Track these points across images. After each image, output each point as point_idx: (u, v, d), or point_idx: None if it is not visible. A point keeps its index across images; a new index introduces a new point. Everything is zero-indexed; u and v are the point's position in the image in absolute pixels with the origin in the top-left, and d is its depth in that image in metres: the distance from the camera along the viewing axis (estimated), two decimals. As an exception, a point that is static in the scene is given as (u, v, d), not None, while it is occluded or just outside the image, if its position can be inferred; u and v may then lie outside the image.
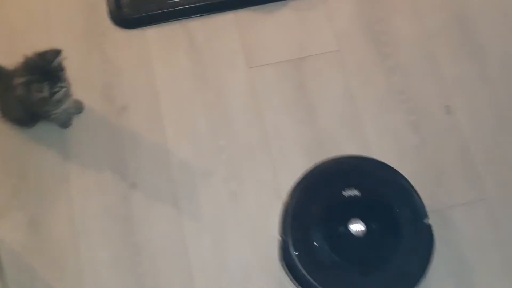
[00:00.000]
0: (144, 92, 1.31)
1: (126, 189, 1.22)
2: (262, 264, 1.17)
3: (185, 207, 1.21)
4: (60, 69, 1.08)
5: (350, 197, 1.08)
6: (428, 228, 1.08)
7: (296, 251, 1.05)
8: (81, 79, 1.29)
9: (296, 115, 1.29)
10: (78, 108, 1.26)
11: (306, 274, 1.03)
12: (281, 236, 1.08)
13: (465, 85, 1.33)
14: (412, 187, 1.12)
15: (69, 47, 1.31)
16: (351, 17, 1.39)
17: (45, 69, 1.05)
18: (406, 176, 1.21)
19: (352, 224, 1.05)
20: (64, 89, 1.09)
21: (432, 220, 1.19)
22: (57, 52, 1.06)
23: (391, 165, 1.14)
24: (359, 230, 1.04)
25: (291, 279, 1.08)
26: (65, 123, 1.24)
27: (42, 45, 1.32)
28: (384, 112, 1.30)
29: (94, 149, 1.26)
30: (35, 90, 1.04)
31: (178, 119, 1.27)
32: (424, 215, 1.09)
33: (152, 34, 1.36)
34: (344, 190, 1.09)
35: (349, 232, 1.04)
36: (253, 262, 1.17)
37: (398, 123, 1.29)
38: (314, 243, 1.06)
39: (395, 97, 1.31)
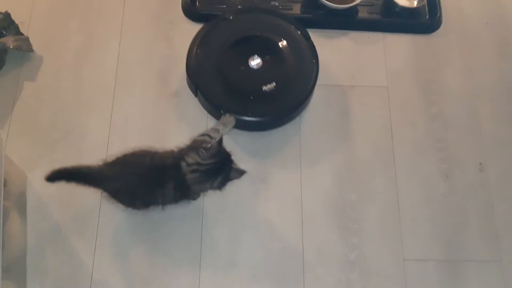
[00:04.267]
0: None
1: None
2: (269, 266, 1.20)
3: (210, 196, 1.25)
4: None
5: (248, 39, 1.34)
6: (312, 45, 1.36)
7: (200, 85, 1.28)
8: (144, 59, 1.40)
9: (334, 137, 1.34)
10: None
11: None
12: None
13: (502, 148, 1.36)
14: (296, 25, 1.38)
15: (139, 28, 1.43)
16: (405, 59, 1.45)
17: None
18: (426, 221, 1.27)
19: (251, 59, 1.31)
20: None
21: (444, 270, 1.21)
22: (242, 173, 1.07)
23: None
24: (258, 62, 1.31)
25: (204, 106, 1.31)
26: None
27: (115, 23, 1.43)
28: (419, 154, 1.34)
29: (138, 122, 1.32)
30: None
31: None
32: (308, 37, 1.36)
33: (217, 32, 1.44)
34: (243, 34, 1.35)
35: (249, 66, 1.31)
36: (261, 263, 1.20)
37: (430, 169, 1.32)
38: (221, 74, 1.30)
39: (432, 143, 1.35)
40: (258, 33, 1.35)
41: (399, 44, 1.47)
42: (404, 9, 1.49)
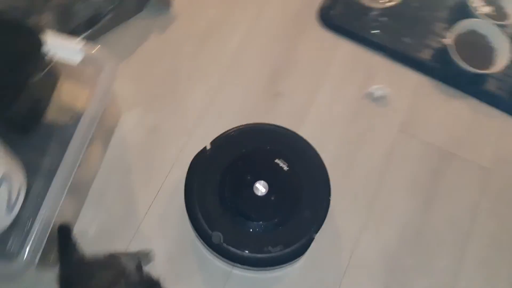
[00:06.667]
0: (303, 92, 1.38)
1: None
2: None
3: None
4: None
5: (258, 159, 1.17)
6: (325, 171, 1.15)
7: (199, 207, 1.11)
8: (263, 51, 1.43)
9: (413, 196, 1.28)
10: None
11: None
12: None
13: None
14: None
15: (271, 21, 1.47)
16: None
17: None
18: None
19: (257, 185, 1.12)
20: None
21: None
22: None
23: None
24: (263, 190, 1.11)
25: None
26: None
27: (252, 10, 1.47)
28: (494, 251, 1.24)
29: (235, 106, 1.35)
30: None
31: (316, 135, 1.25)
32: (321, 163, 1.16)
33: (344, 46, 1.44)
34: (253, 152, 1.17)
35: (253, 192, 1.11)
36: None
37: (501, 269, 1.22)
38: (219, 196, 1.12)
39: (513, 245, 1.24)
40: (266, 156, 1.16)
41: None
42: (536, 98, 1.39)
